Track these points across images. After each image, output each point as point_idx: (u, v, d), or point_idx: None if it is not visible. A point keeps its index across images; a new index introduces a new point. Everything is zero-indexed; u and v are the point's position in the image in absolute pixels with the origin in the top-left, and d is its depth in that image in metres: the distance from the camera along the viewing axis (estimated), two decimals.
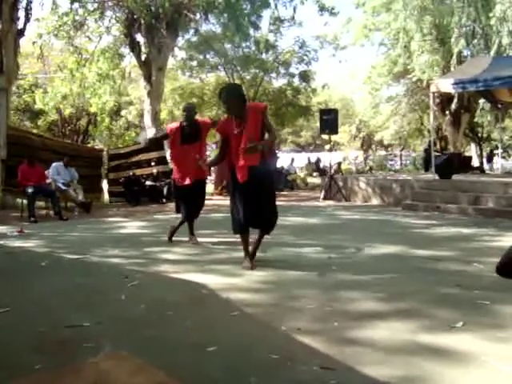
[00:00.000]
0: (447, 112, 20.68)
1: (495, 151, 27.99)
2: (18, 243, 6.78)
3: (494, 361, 2.53)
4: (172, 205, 12.64)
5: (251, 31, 19.37)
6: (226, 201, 9.92)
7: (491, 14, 14.71)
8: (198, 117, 6.66)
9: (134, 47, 16.69)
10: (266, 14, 20.54)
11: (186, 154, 6.11)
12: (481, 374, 2.43)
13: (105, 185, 15.46)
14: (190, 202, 6.24)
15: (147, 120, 16.94)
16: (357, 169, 30.65)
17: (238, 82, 22.81)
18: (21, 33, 12.60)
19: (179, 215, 6.48)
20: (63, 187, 10.72)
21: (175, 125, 6.42)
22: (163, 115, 22.57)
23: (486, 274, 4.44)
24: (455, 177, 11.23)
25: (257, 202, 4.67)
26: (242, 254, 5.00)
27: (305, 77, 23.53)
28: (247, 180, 4.63)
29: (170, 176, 14.20)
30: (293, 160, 23.88)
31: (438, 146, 21.34)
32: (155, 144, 14.68)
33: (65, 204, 10.91)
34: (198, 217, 6.49)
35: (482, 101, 18.76)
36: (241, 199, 4.73)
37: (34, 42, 16.45)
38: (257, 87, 22.97)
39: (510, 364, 2.50)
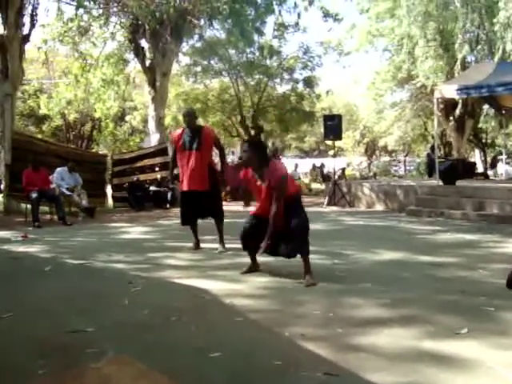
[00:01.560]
0: (451, 118, 20.65)
1: (499, 157, 27.93)
2: (22, 248, 6.79)
3: (498, 368, 2.52)
4: (175, 210, 12.68)
5: (255, 37, 19.45)
6: (229, 206, 9.91)
7: (495, 20, 14.69)
8: (204, 123, 6.62)
9: (139, 53, 16.74)
10: (270, 20, 20.66)
11: (187, 160, 6.10)
12: (485, 381, 2.41)
13: (109, 190, 15.49)
14: (189, 208, 6.22)
15: (151, 125, 16.97)
16: (361, 174, 30.62)
17: (242, 87, 22.94)
18: (26, 39, 12.66)
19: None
20: (67, 192, 10.75)
21: (178, 131, 6.42)
22: (167, 121, 22.61)
23: (491, 280, 4.42)
24: (459, 182, 11.21)
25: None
26: (245, 259, 5.01)
27: (309, 82, 23.58)
28: None
29: (174, 181, 14.27)
30: (297, 166, 23.88)
31: (441, 152, 21.31)
32: (161, 150, 14.77)
33: (69, 209, 10.93)
34: (219, 217, 6.36)
35: (485, 107, 18.75)
36: None
37: (39, 48, 16.52)
38: (261, 93, 23.04)
39: None
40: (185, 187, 6.15)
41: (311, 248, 4.56)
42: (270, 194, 4.53)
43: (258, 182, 4.62)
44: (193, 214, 6.27)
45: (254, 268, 4.90)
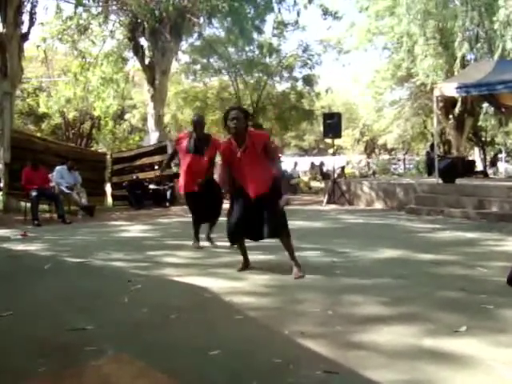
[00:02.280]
0: (451, 116, 20.65)
1: (499, 155, 27.93)
2: (21, 246, 6.79)
3: (498, 365, 2.52)
4: (175, 208, 12.69)
5: (255, 35, 19.42)
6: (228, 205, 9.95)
7: (495, 18, 14.68)
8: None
9: (138, 51, 16.72)
10: (270, 18, 20.61)
11: (192, 164, 6.09)
12: (485, 378, 2.41)
13: (108, 188, 15.48)
14: (198, 207, 6.27)
15: (151, 124, 16.97)
16: (360, 173, 30.60)
17: (241, 85, 22.93)
18: (25, 37, 12.64)
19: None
20: (67, 191, 10.74)
21: (185, 134, 6.47)
22: (167, 119, 22.60)
23: (490, 278, 4.42)
24: (459, 181, 11.21)
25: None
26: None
27: (308, 81, 23.54)
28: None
29: (173, 180, 14.28)
30: (296, 164, 23.85)
31: (441, 150, 21.31)
32: (160, 148, 14.75)
33: (68, 207, 10.92)
34: (213, 222, 6.43)
35: (485, 105, 18.73)
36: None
37: (38, 46, 16.49)
38: (260, 91, 23.01)
39: None
40: (187, 189, 6.16)
41: (311, 245, 4.57)
42: (251, 158, 4.60)
43: (238, 154, 4.64)
44: (200, 215, 6.31)
45: (246, 264, 4.97)
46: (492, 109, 18.21)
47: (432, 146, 14.66)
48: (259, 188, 4.62)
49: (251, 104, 23.12)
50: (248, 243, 5.02)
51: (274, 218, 4.64)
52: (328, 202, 12.80)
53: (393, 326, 3.17)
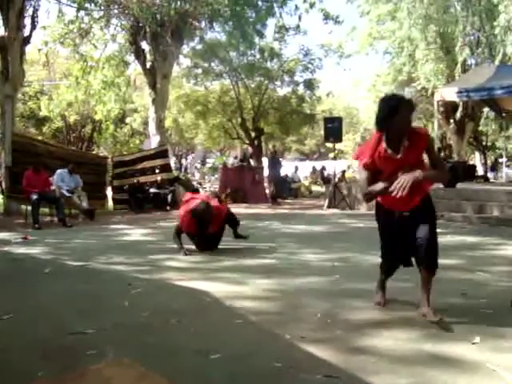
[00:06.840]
0: (451, 120, 20.67)
1: (500, 160, 27.92)
2: (22, 250, 6.79)
3: (498, 370, 2.52)
4: (176, 212, 12.67)
5: (256, 39, 19.44)
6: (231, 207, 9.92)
7: (495, 23, 14.73)
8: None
9: (139, 55, 16.74)
10: (271, 23, 20.70)
11: None
12: (485, 383, 2.41)
13: (109, 192, 15.48)
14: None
15: (152, 127, 16.98)
16: None
17: (242, 89, 22.94)
18: (27, 40, 12.67)
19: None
20: (67, 194, 10.74)
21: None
22: (168, 123, 22.63)
23: (491, 282, 4.42)
24: (459, 185, 11.20)
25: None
26: (245, 261, 5.01)
27: (309, 85, 23.62)
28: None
29: (174, 184, 14.30)
30: (297, 168, 23.88)
31: (442, 155, 21.31)
32: (161, 152, 14.80)
33: (69, 211, 10.92)
34: None
35: (486, 109, 18.77)
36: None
37: (39, 50, 16.50)
38: (261, 95, 23.07)
39: None
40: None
41: (312, 250, 4.56)
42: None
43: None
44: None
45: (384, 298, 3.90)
46: (493, 113, 18.26)
47: None
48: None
49: (252, 108, 23.17)
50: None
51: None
52: (329, 207, 12.80)
53: (393, 330, 3.17)
